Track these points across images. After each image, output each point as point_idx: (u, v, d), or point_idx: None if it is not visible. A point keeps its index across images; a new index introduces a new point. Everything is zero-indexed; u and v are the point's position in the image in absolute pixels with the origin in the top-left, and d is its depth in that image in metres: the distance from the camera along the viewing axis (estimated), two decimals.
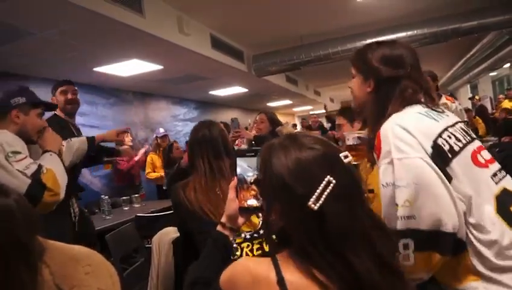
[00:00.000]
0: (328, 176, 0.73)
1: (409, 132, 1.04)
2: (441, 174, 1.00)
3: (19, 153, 1.73)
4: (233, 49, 5.74)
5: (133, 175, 5.45)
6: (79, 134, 2.81)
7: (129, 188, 5.24)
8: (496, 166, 1.12)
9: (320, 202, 0.71)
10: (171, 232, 2.22)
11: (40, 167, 1.73)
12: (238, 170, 1.08)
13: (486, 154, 1.13)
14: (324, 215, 0.71)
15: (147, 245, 3.01)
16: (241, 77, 6.51)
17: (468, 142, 1.11)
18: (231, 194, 1.07)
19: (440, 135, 1.06)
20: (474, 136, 1.17)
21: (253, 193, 1.05)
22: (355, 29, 5.29)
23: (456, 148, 1.06)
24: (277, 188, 0.77)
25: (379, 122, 1.13)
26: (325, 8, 4.79)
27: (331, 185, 0.72)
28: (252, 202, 1.05)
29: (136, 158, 5.38)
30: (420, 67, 1.21)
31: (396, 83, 1.16)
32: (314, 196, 0.71)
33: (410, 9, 5.16)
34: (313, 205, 0.71)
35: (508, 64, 8.44)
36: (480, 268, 0.99)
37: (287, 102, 10.92)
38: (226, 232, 1.07)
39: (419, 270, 1.00)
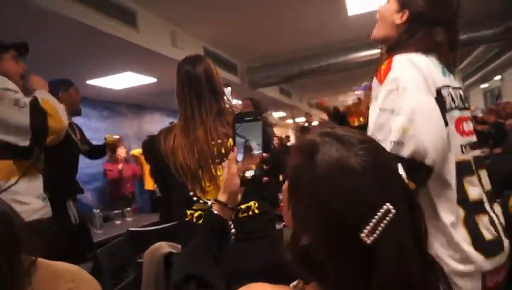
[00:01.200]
0: (388, 204, 0.56)
1: (421, 70, 1.04)
2: (441, 116, 1.02)
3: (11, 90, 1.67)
4: (227, 62, 5.78)
5: (125, 188, 5.42)
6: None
7: (121, 201, 5.20)
8: (470, 140, 1.14)
9: (375, 235, 0.55)
10: (163, 247, 2.19)
11: (35, 97, 1.72)
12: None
13: (469, 126, 1.15)
14: (376, 252, 0.55)
15: (140, 260, 2.97)
16: (234, 90, 6.52)
17: (460, 108, 1.13)
18: (232, 167, 0.93)
19: (442, 88, 1.08)
20: (468, 106, 1.18)
21: (253, 164, 0.94)
22: (347, 43, 5.35)
23: (448, 106, 1.08)
24: (318, 212, 0.58)
25: (394, 53, 1.11)
26: (318, 22, 4.85)
27: (390, 215, 0.56)
28: (250, 173, 0.94)
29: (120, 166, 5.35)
30: (457, 21, 1.15)
31: (430, 25, 1.10)
32: (368, 227, 0.55)
33: None
34: (366, 238, 0.55)
35: (499, 77, 8.54)
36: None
37: (281, 114, 10.96)
38: (226, 215, 0.93)
39: None
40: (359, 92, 1.76)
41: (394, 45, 1.15)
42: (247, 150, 0.95)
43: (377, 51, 5.08)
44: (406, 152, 0.98)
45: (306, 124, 8.32)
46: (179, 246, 2.03)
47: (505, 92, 8.71)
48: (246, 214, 1.42)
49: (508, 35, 4.93)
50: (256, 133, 0.95)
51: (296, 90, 9.38)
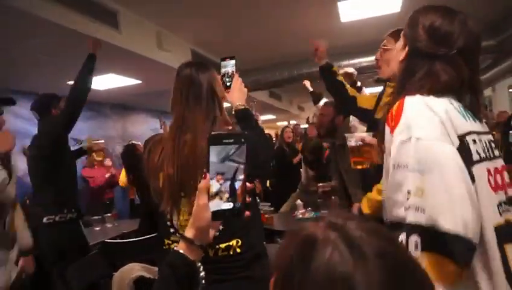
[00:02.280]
0: None
1: (438, 115, 0.87)
2: (466, 170, 0.83)
3: None
4: (215, 65, 5.60)
5: (104, 193, 5.24)
6: None
7: (101, 206, 5.04)
8: (508, 195, 0.95)
9: None
10: (134, 270, 2.04)
11: None
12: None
13: (504, 178, 0.95)
14: None
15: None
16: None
17: (489, 158, 0.94)
18: (201, 198, 0.77)
19: (467, 135, 0.90)
20: (498, 154, 0.99)
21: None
22: (339, 49, 5.23)
23: (476, 157, 0.90)
24: None
25: (403, 94, 0.96)
26: (310, 28, 4.72)
27: None
28: (227, 206, 0.79)
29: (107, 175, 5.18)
30: (478, 52, 1.00)
31: (430, 62, 0.96)
32: None
33: None
34: None
35: (489, 88, 8.53)
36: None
37: (271, 116, 10.83)
38: (193, 254, 0.79)
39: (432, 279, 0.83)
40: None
41: (400, 86, 1.00)
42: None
43: (368, 58, 4.98)
44: (431, 221, 0.80)
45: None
46: (154, 268, 1.89)
47: (495, 103, 8.71)
48: (225, 253, 1.25)
49: (500, 48, 4.86)
50: (239, 159, 0.80)
51: (286, 94, 9.25)
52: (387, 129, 0.95)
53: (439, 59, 0.96)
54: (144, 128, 7.30)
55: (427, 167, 0.83)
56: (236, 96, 1.48)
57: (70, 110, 2.57)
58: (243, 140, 0.78)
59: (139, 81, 4.96)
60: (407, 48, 1.01)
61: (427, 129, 0.86)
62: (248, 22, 4.34)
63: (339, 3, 3.81)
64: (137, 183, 3.54)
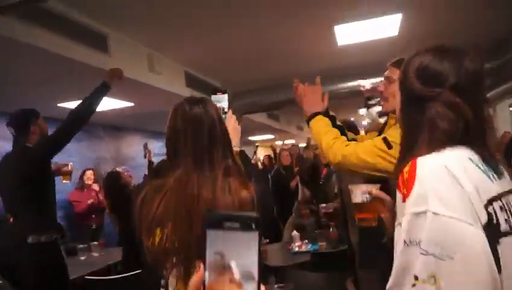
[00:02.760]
0: None
1: (459, 182, 0.73)
2: (493, 259, 0.69)
3: None
4: (211, 87, 5.51)
5: (91, 219, 5.06)
6: None
7: (87, 232, 4.87)
8: None
9: None
10: None
11: None
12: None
13: None
14: None
15: None
16: None
17: None
18: None
19: (493, 201, 0.76)
20: None
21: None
22: (336, 72, 5.13)
23: (504, 227, 0.75)
24: None
25: (408, 155, 0.82)
26: (307, 51, 4.63)
27: None
28: None
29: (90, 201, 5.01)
30: (478, 88, 0.87)
31: (424, 107, 0.84)
32: None
33: (390, 56, 5.04)
34: None
35: (490, 109, 8.45)
36: None
37: (269, 136, 10.72)
38: None
39: None
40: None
41: (405, 146, 0.88)
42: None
43: (366, 81, 4.86)
44: None
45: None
46: None
47: (496, 123, 8.62)
48: None
49: (502, 70, 4.76)
50: (246, 254, 0.54)
51: (284, 114, 9.15)
52: (398, 195, 0.80)
53: (433, 101, 0.84)
54: (138, 149, 7.13)
55: (445, 251, 0.67)
56: (231, 136, 1.36)
57: (63, 133, 2.50)
58: (253, 225, 0.55)
59: (132, 104, 4.84)
60: (399, 96, 0.90)
61: (447, 202, 0.71)
62: (244, 43, 4.23)
63: (335, 27, 3.70)
64: (118, 211, 3.44)
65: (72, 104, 4.54)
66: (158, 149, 7.83)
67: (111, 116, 5.63)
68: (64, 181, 3.23)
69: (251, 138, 10.57)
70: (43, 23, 2.75)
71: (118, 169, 4.14)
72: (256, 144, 10.52)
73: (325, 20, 3.61)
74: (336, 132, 1.67)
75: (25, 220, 2.48)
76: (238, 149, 1.44)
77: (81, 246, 4.18)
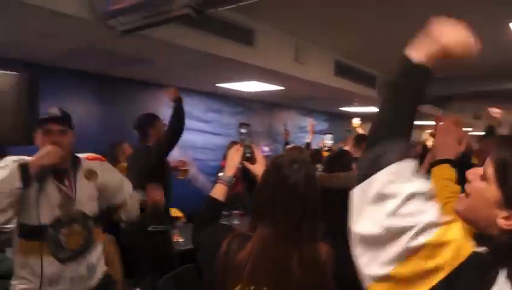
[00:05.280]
0: None
1: None
2: None
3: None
4: (364, 74, 5.24)
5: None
6: None
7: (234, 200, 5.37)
8: None
9: None
10: None
11: None
12: None
13: None
14: None
15: None
16: (373, 101, 5.94)
17: None
18: None
19: None
20: None
21: None
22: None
23: None
24: None
25: None
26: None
27: None
28: None
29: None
30: None
31: None
32: None
33: None
34: None
35: None
36: None
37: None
38: None
39: None
40: None
41: None
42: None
43: None
44: None
45: None
46: None
47: None
48: None
49: None
50: None
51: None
52: None
53: None
54: (290, 125, 7.41)
55: None
56: (259, 169, 1.45)
57: (169, 140, 2.86)
58: None
59: (282, 87, 5.02)
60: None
61: None
62: (402, 25, 3.83)
63: (510, 24, 3.02)
64: None
65: (229, 86, 5.00)
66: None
67: (264, 96, 5.97)
68: (179, 178, 3.55)
69: (417, 123, 9.69)
70: (194, 24, 3.04)
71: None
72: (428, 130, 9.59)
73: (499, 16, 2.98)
74: (456, 189, 1.40)
75: (145, 210, 2.95)
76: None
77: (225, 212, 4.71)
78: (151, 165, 2.86)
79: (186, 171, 3.44)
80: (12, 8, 2.28)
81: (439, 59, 0.87)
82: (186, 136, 5.50)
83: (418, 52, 0.87)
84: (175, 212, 4.51)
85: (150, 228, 2.87)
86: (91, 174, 1.93)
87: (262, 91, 5.32)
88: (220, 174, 1.53)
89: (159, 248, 2.91)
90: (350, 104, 6.82)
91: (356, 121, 5.75)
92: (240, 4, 2.03)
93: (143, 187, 2.91)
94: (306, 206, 1.18)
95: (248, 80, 4.59)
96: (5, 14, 2.42)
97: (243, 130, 1.58)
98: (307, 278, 1.12)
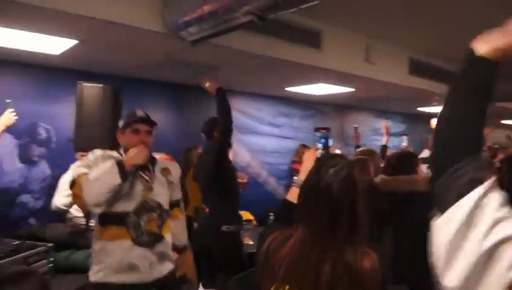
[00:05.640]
0: None
1: None
2: None
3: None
4: (442, 71, 4.90)
5: None
6: None
7: None
8: None
9: None
10: None
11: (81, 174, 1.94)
12: None
13: None
14: None
15: None
16: None
17: None
18: None
19: None
20: None
21: None
22: None
23: None
24: None
25: None
26: None
27: None
28: None
29: None
30: None
31: None
32: None
33: None
34: None
35: None
36: None
37: None
38: None
39: None
40: None
41: None
42: None
43: None
44: None
45: None
46: None
47: None
48: None
49: None
50: None
51: None
52: None
53: None
54: (363, 128, 7.16)
55: None
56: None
57: (222, 139, 2.89)
58: None
59: (352, 89, 4.90)
60: None
61: None
62: (479, 24, 3.53)
63: None
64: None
65: (298, 89, 5.00)
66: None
67: (335, 99, 5.86)
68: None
69: (504, 122, 8.83)
70: (260, 30, 3.09)
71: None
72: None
73: None
74: None
75: (217, 211, 3.04)
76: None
77: None
78: (214, 159, 2.94)
79: (244, 183, 3.50)
80: (98, 27, 2.53)
81: (506, 55, 0.79)
82: (256, 140, 5.67)
83: (484, 45, 0.79)
84: (246, 215, 4.61)
85: (223, 228, 2.97)
86: (165, 171, 2.17)
87: (332, 93, 5.24)
88: (295, 177, 1.53)
89: (230, 248, 2.99)
90: (429, 104, 6.42)
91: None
92: (303, 7, 2.03)
93: (211, 186, 3.02)
94: (341, 210, 1.15)
95: (316, 83, 4.55)
96: (92, 33, 2.69)
97: (319, 134, 1.55)
98: (339, 283, 1.09)
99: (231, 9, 2.07)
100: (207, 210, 3.17)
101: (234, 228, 2.99)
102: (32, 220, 3.64)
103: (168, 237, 2.14)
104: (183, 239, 2.38)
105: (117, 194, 1.87)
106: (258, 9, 1.98)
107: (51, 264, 2.41)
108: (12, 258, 2.12)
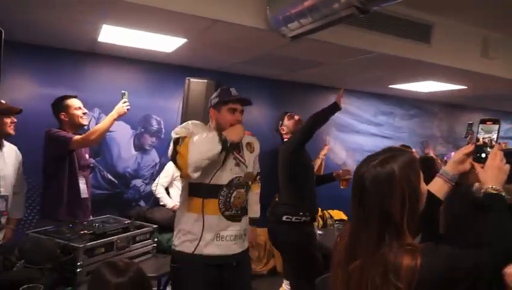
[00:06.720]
0: None
1: None
2: None
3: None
4: None
5: None
6: None
7: None
8: None
9: None
10: None
11: (179, 138, 1.95)
12: None
13: None
14: None
15: None
16: None
17: None
18: None
19: None
20: None
21: None
22: None
23: None
24: None
25: None
26: None
27: None
28: None
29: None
30: None
31: None
32: None
33: None
34: None
35: None
36: None
37: None
38: None
39: None
40: None
41: None
42: None
43: None
44: None
45: None
46: None
47: None
48: None
49: None
50: None
51: None
52: None
53: None
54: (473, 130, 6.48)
55: None
56: (490, 176, 1.19)
57: (303, 134, 2.92)
58: None
59: (464, 87, 4.46)
60: None
61: None
62: None
63: None
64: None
65: (403, 86, 4.72)
66: (504, 132, 6.83)
67: (445, 97, 5.40)
68: (342, 187, 3.43)
69: None
70: (364, 24, 2.97)
71: (433, 156, 4.06)
72: None
73: None
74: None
75: (283, 201, 3.06)
76: (494, 191, 1.16)
77: None
78: (292, 150, 2.98)
79: (348, 180, 3.38)
80: (205, 25, 2.69)
81: None
82: (354, 139, 5.49)
83: None
84: (338, 214, 4.52)
85: (283, 218, 2.97)
86: (251, 147, 2.25)
87: (440, 91, 4.83)
88: (443, 168, 1.37)
89: (291, 239, 2.96)
90: None
91: None
92: None
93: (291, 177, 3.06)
94: (372, 204, 1.08)
95: (424, 80, 4.25)
96: (199, 31, 2.86)
97: (483, 127, 1.34)
98: (370, 271, 1.04)
99: (330, 2, 2.02)
100: (276, 199, 3.23)
101: (295, 219, 2.95)
102: (142, 203, 4.05)
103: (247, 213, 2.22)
104: (258, 212, 2.42)
105: (213, 164, 1.93)
106: (359, 1, 1.90)
107: (154, 245, 2.60)
108: (123, 235, 2.34)
